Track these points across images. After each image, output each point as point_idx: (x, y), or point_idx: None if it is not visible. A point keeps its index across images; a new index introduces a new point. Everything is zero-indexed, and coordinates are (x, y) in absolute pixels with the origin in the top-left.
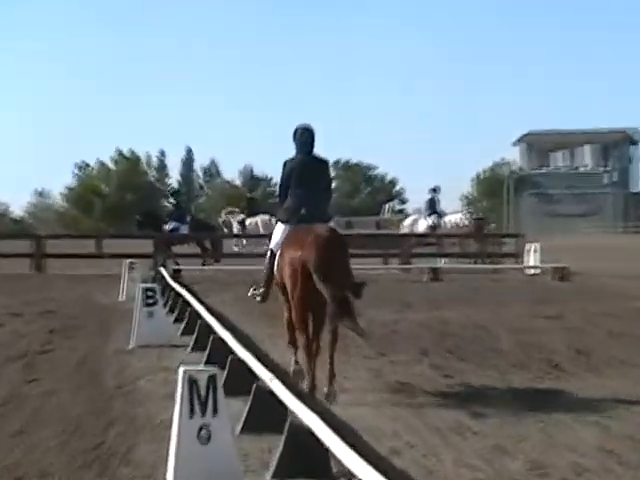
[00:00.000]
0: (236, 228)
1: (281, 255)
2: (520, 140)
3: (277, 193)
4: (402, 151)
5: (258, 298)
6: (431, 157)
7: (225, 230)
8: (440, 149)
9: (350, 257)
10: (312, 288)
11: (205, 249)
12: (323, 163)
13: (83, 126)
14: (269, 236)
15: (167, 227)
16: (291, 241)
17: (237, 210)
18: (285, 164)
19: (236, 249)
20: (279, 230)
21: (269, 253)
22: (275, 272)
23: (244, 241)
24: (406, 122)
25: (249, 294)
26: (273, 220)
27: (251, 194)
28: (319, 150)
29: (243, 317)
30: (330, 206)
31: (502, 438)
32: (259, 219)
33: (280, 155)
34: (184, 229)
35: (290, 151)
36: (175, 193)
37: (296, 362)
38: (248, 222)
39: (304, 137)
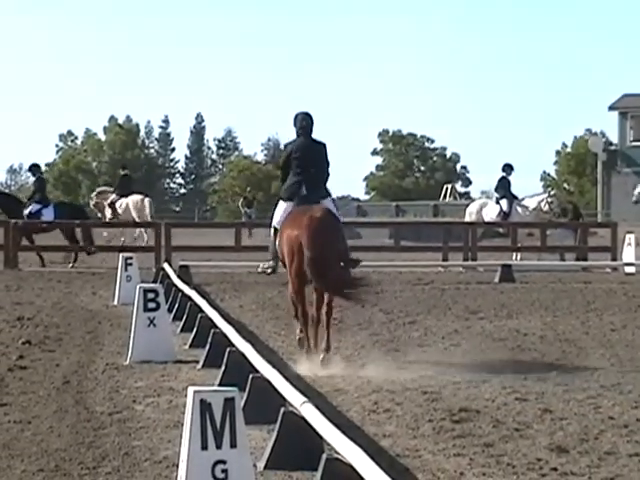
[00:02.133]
0: (108, 212)
1: (281, 233)
2: (613, 107)
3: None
4: (466, 122)
5: (269, 270)
6: (502, 129)
7: (99, 215)
8: (513, 119)
9: (343, 235)
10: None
11: (74, 240)
12: (321, 146)
13: (72, 91)
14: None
15: (26, 211)
16: (290, 221)
17: (110, 189)
18: (286, 146)
19: (105, 234)
20: (281, 208)
21: (272, 230)
22: (277, 248)
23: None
24: (471, 87)
25: (259, 270)
26: (147, 201)
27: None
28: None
29: (266, 325)
30: (327, 185)
31: None
32: (130, 200)
33: None
34: (48, 214)
35: (317, 122)
36: (34, 167)
37: (300, 331)
38: (118, 204)
39: (304, 122)
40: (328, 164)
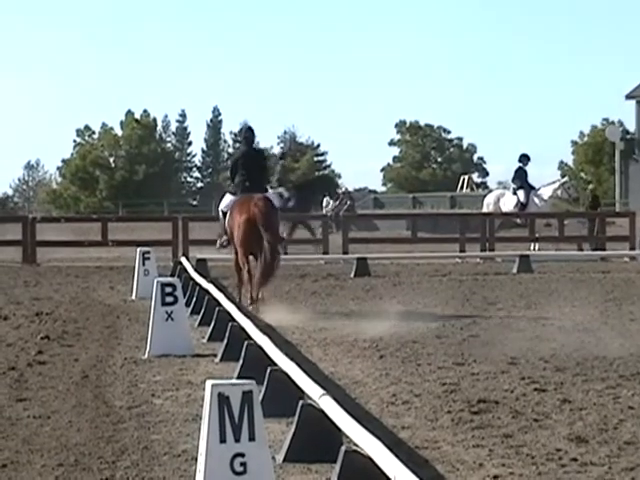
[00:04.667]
0: None
1: (231, 214)
2: (630, 95)
3: (229, 175)
4: (482, 112)
5: (225, 243)
6: (519, 119)
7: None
8: (530, 109)
9: (277, 217)
10: (251, 237)
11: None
12: (260, 152)
13: (89, 87)
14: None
15: None
16: (237, 205)
17: None
18: (233, 155)
19: None
20: (229, 198)
21: (221, 213)
22: (226, 226)
23: None
24: (487, 78)
25: (217, 247)
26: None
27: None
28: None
29: (284, 318)
30: (266, 183)
31: (615, 471)
32: None
33: (327, 117)
34: None
35: (334, 114)
36: None
37: (242, 289)
38: None
39: (247, 134)
40: (266, 167)
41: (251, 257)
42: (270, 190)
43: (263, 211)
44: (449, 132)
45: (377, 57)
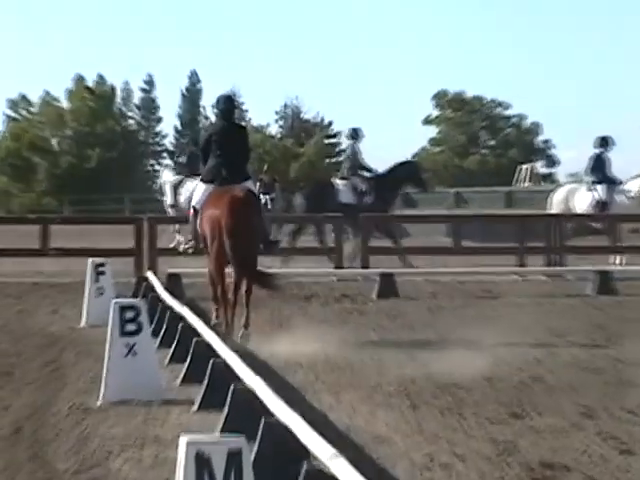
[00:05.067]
0: None
1: (203, 213)
2: None
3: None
4: (550, 81)
5: (190, 250)
6: (598, 91)
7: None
8: (612, 78)
9: (263, 217)
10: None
11: None
12: (241, 129)
13: (24, 42)
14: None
15: None
16: (211, 201)
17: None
18: (206, 129)
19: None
20: (201, 189)
21: (192, 210)
22: (198, 228)
23: None
24: (557, 35)
25: (181, 249)
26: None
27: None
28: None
29: (283, 353)
30: (247, 167)
31: None
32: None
33: (340, 86)
34: None
35: (349, 82)
36: None
37: (217, 317)
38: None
39: (224, 105)
40: (248, 147)
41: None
42: (338, 181)
43: (242, 210)
44: (506, 107)
45: (404, 6)
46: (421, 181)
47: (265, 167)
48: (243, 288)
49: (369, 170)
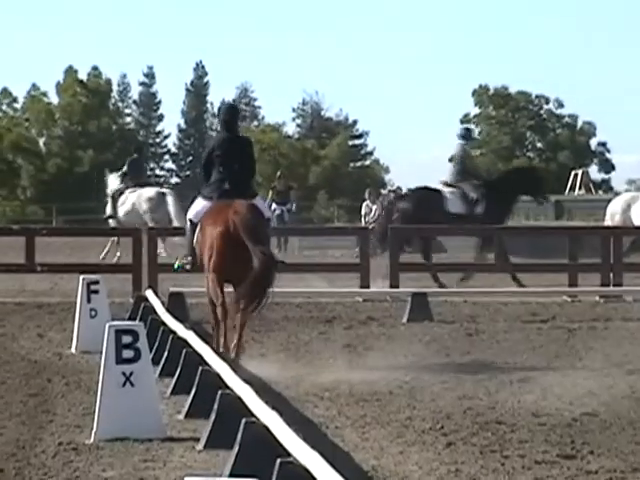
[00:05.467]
0: None
1: (202, 228)
2: None
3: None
4: (605, 75)
5: (188, 266)
6: None
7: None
8: None
9: (268, 235)
10: (227, 259)
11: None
12: (245, 141)
13: (11, 29)
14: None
15: None
16: (211, 215)
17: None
18: (208, 143)
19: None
20: (199, 204)
21: (189, 223)
22: (194, 244)
23: None
24: (613, 24)
25: (177, 264)
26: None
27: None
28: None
29: (301, 383)
30: (253, 183)
31: None
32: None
33: (366, 81)
34: None
35: (376, 76)
36: None
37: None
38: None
39: (227, 116)
40: (253, 161)
41: (230, 289)
42: (446, 188)
43: (246, 221)
44: (557, 104)
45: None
46: (540, 190)
47: (278, 173)
48: (239, 313)
49: (480, 177)
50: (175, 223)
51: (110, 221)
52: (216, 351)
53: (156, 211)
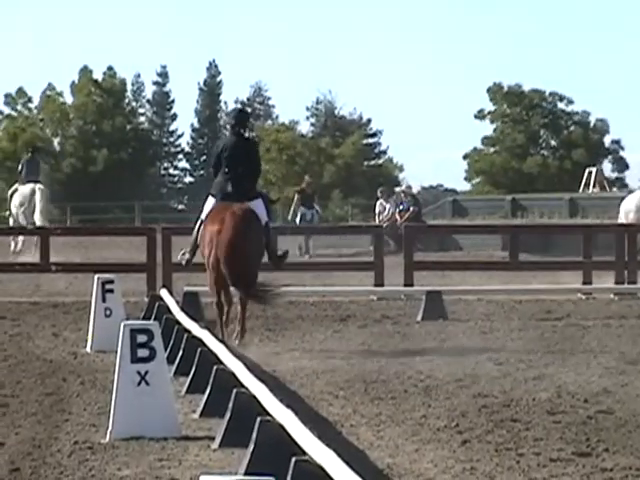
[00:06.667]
0: None
1: (204, 227)
2: None
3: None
4: (618, 73)
5: (183, 262)
6: None
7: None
8: None
9: (261, 236)
10: (222, 260)
11: None
12: (252, 143)
13: (25, 30)
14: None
15: None
16: (212, 216)
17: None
18: (217, 144)
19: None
20: (209, 203)
21: (199, 223)
22: (198, 241)
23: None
24: (626, 22)
25: (178, 258)
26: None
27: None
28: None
29: (316, 382)
30: (256, 185)
31: None
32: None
33: (380, 79)
34: None
35: (390, 75)
36: None
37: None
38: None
39: (236, 119)
40: (258, 163)
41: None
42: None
43: (238, 227)
44: (570, 102)
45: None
46: None
47: (306, 177)
48: (238, 304)
49: None
50: (37, 218)
51: (10, 219)
52: (235, 352)
53: (26, 206)
